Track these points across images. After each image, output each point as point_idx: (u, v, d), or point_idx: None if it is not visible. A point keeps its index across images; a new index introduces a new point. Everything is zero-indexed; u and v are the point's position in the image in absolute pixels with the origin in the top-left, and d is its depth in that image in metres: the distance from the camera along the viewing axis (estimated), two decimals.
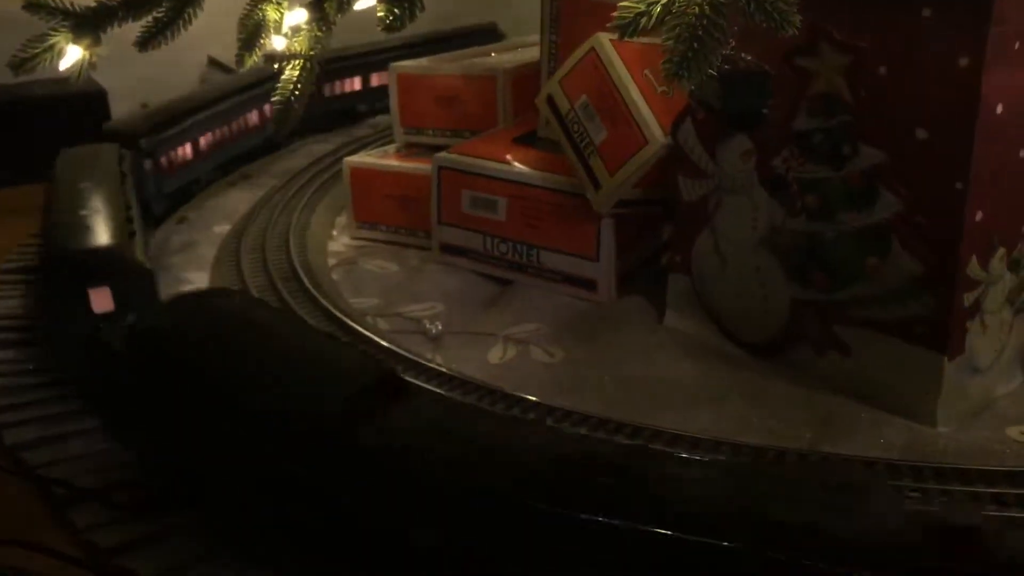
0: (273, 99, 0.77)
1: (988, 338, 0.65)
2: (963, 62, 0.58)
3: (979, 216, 0.61)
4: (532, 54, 1.06)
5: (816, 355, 0.70)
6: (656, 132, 0.76)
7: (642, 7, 0.50)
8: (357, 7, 0.96)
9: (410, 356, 0.75)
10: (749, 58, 0.57)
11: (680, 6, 0.48)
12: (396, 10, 0.88)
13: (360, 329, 0.80)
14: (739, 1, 0.48)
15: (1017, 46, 0.59)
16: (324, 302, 0.85)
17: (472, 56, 1.07)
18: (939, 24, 0.59)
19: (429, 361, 0.75)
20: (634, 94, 0.78)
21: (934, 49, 0.59)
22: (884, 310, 0.65)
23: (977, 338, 0.64)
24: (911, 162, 0.62)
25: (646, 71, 0.79)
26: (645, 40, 0.81)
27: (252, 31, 0.83)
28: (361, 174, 1.00)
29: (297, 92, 0.79)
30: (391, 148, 1.05)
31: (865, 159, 0.64)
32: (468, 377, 0.72)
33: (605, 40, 0.80)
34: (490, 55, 1.08)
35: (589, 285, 0.85)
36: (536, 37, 1.09)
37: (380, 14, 0.89)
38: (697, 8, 0.47)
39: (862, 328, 0.67)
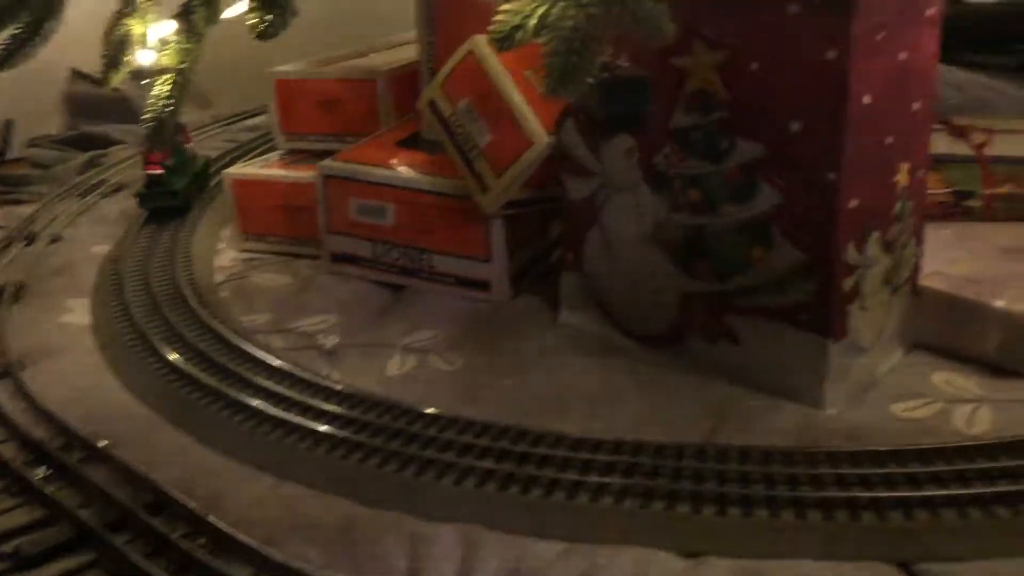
0: (143, 117, 0.74)
1: (869, 319, 0.68)
2: (830, 55, 0.60)
3: (853, 203, 0.63)
4: (410, 53, 1.05)
5: (708, 344, 0.71)
6: (540, 132, 0.76)
7: (517, 20, 0.49)
8: (226, 15, 0.93)
9: (305, 376, 0.73)
10: (626, 63, 0.57)
11: (555, 19, 0.48)
12: (268, 16, 0.86)
13: (251, 350, 0.78)
14: (613, 11, 0.48)
15: (880, 37, 0.61)
16: (213, 323, 0.83)
17: (350, 57, 1.05)
18: (806, 19, 0.61)
19: (325, 378, 0.74)
20: (516, 95, 0.77)
21: (802, 44, 0.61)
22: (770, 298, 0.67)
23: (859, 320, 0.67)
24: (787, 154, 0.63)
25: (526, 71, 0.79)
26: None
27: (117, 46, 0.80)
28: (243, 186, 0.98)
29: (169, 108, 0.76)
30: (273, 156, 1.02)
31: (743, 153, 0.65)
32: (367, 393, 0.71)
33: (483, 42, 0.80)
34: (368, 56, 1.06)
35: (483, 286, 0.85)
36: (413, 33, 1.08)
37: (252, 21, 0.87)
38: (572, 21, 0.47)
39: (750, 317, 0.68)
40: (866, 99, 0.62)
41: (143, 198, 1.04)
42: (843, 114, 0.60)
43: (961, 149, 0.87)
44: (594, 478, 0.60)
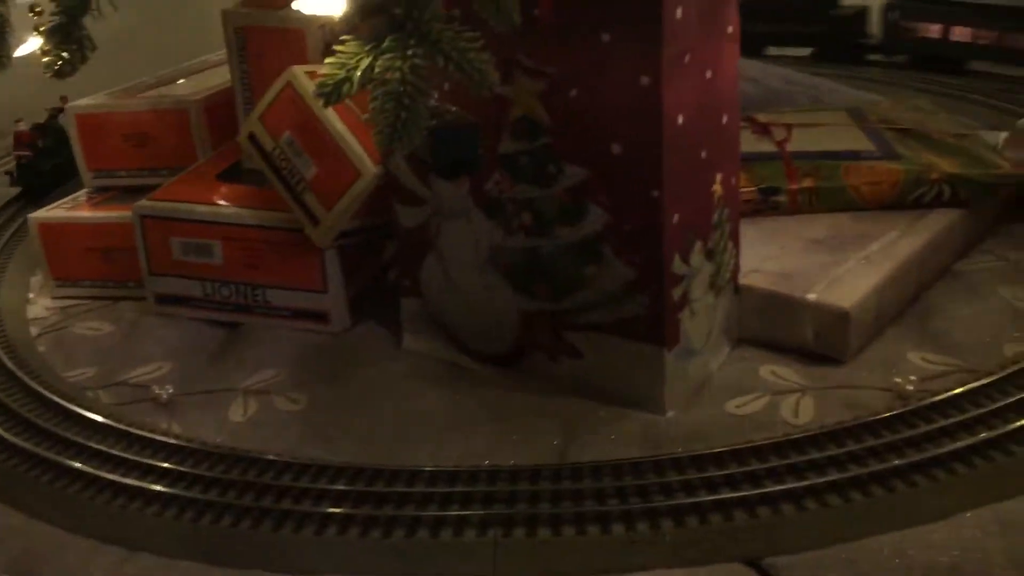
0: None
1: (698, 323, 0.71)
2: (644, 81, 0.63)
3: (676, 218, 0.66)
4: (223, 76, 1.01)
5: (551, 361, 0.73)
6: (367, 163, 0.76)
7: (342, 74, 0.49)
8: (18, 53, 0.88)
9: (143, 433, 0.71)
10: (455, 109, 0.58)
11: (381, 72, 0.48)
12: (64, 54, 0.82)
13: (79, 410, 0.74)
14: (438, 63, 0.48)
15: (687, 59, 0.64)
16: (32, 383, 0.78)
17: (156, 86, 1.01)
18: (618, 48, 0.63)
19: (165, 433, 0.71)
20: (339, 126, 0.77)
21: (617, 71, 0.63)
22: (606, 313, 0.69)
23: (689, 325, 0.70)
24: (611, 176, 0.66)
25: (347, 100, 0.78)
26: None
27: None
28: (51, 230, 0.92)
29: None
30: (81, 195, 0.97)
31: (570, 177, 0.67)
32: (213, 446, 0.69)
33: (300, 73, 0.78)
34: (175, 82, 1.02)
35: (321, 317, 0.84)
36: (218, 55, 1.05)
37: (46, 60, 0.82)
38: (399, 74, 0.47)
39: (589, 332, 0.71)
40: (680, 119, 0.65)
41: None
42: (660, 136, 0.63)
43: (765, 146, 0.92)
44: (455, 511, 0.60)
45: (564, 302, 0.71)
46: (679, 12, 0.62)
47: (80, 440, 0.70)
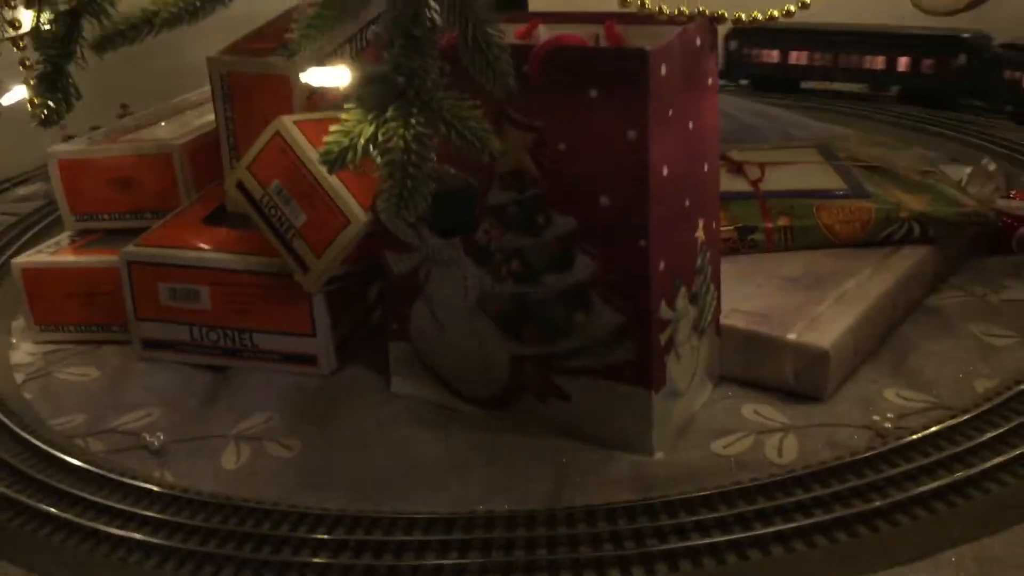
0: None
1: (683, 365, 0.73)
2: (631, 136, 0.65)
3: (662, 265, 0.68)
4: (201, 118, 1.02)
5: (540, 403, 0.75)
6: (356, 211, 0.77)
7: (346, 141, 0.50)
8: (5, 102, 0.88)
9: (137, 483, 0.71)
10: (453, 171, 0.59)
11: (384, 139, 0.50)
12: (51, 103, 0.82)
13: (69, 459, 0.74)
14: (440, 131, 0.50)
15: (671, 113, 0.67)
16: (22, 432, 0.78)
17: (136, 128, 1.01)
18: (605, 103, 0.65)
19: (159, 482, 0.71)
20: (328, 175, 0.78)
21: (604, 125, 0.65)
22: (595, 358, 0.71)
23: (675, 368, 0.72)
24: (599, 226, 0.68)
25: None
26: (326, 115, 0.82)
27: None
28: (35, 275, 0.92)
29: None
30: (63, 239, 0.97)
31: (558, 226, 0.69)
32: (208, 494, 0.69)
33: (289, 123, 0.80)
34: (156, 124, 1.03)
35: (309, 360, 0.85)
36: (201, 93, 1.06)
37: (33, 109, 0.83)
38: (402, 142, 0.49)
39: (578, 376, 0.72)
40: (665, 171, 0.67)
41: None
42: (647, 188, 0.65)
43: (740, 185, 0.95)
44: (454, 559, 0.62)
45: (553, 347, 0.72)
46: (664, 69, 0.64)
47: (75, 491, 0.70)
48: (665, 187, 0.67)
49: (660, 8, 0.68)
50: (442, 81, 0.51)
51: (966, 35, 1.35)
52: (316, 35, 0.51)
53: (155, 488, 0.71)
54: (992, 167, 1.01)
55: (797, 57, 1.48)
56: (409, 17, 0.51)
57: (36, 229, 1.15)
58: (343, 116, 0.51)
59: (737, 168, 0.98)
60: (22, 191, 1.29)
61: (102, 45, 0.62)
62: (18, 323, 0.97)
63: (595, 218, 0.68)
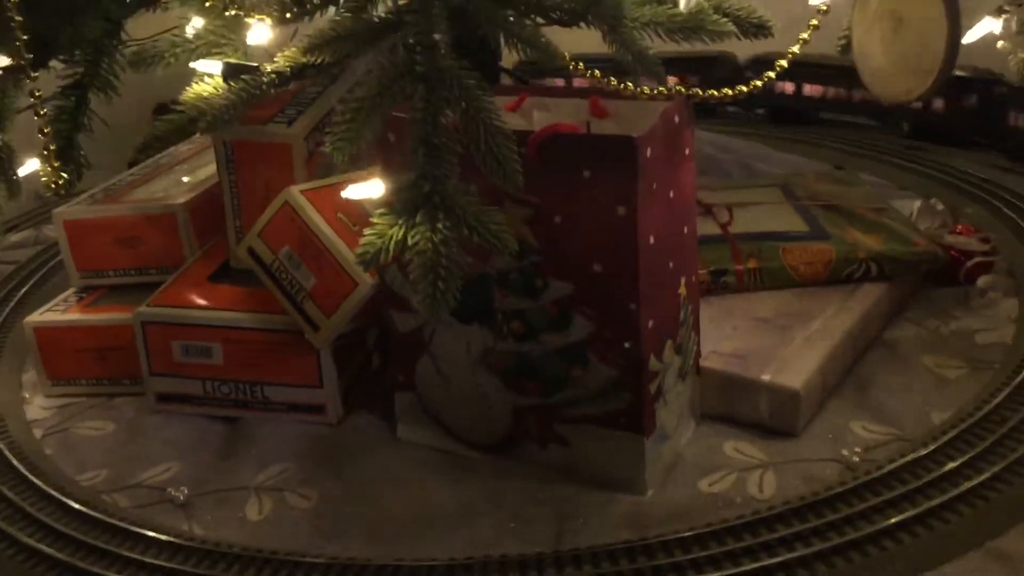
0: None
1: (670, 409, 0.80)
2: (621, 211, 0.71)
3: (651, 324, 0.75)
4: (196, 174, 1.07)
5: (540, 448, 0.81)
6: (363, 274, 0.83)
7: (379, 243, 0.56)
8: (22, 172, 0.92)
9: (167, 537, 0.76)
10: (471, 260, 0.65)
11: (414, 241, 0.56)
12: (64, 174, 0.87)
13: (101, 516, 0.79)
14: (463, 233, 0.56)
15: (654, 187, 0.73)
16: (48, 488, 0.83)
17: (137, 185, 1.05)
18: (597, 181, 0.71)
19: (190, 539, 0.76)
20: (335, 240, 0.83)
21: (596, 202, 0.72)
22: (591, 408, 0.78)
23: (663, 412, 0.79)
24: (593, 291, 0.74)
25: (339, 214, 0.85)
26: (332, 181, 0.88)
27: None
28: (47, 333, 0.97)
29: None
30: (70, 296, 1.01)
31: (556, 291, 0.75)
32: (240, 549, 0.74)
33: (296, 193, 0.85)
34: (156, 179, 1.07)
35: (318, 410, 0.90)
36: (186, 150, 1.11)
37: (46, 179, 0.87)
38: (431, 245, 0.55)
39: (576, 424, 0.79)
40: (651, 240, 0.73)
41: None
42: (636, 258, 0.72)
43: (710, 228, 1.02)
44: None
45: (553, 398, 0.79)
46: (649, 151, 0.71)
47: (110, 547, 0.75)
48: (652, 254, 0.74)
49: (642, 89, 0.74)
50: (460, 186, 0.57)
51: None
52: (347, 146, 0.56)
53: (186, 543, 0.76)
54: (940, 207, 1.10)
55: (811, 90, 1.50)
56: (430, 126, 0.57)
57: (36, 278, 1.19)
58: (375, 220, 0.57)
59: (706, 210, 1.05)
60: (13, 237, 1.32)
61: (143, 150, 0.67)
62: (28, 376, 1.01)
63: (589, 283, 0.74)
